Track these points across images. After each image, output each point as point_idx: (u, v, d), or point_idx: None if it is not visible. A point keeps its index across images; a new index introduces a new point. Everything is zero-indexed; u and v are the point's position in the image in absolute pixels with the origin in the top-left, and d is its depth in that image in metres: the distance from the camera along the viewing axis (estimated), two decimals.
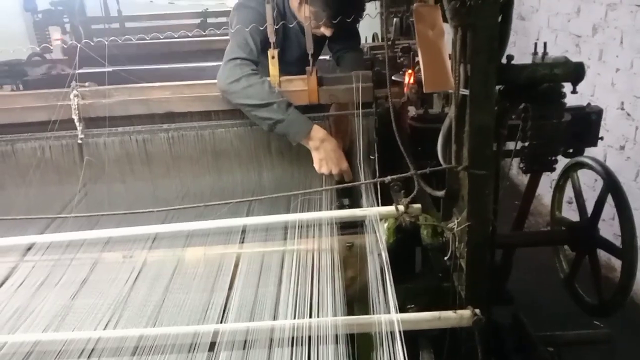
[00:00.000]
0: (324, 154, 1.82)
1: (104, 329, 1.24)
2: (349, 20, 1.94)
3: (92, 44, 1.71)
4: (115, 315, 1.29)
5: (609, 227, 2.39)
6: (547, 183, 3.49)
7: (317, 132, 1.81)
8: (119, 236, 1.57)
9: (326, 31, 1.95)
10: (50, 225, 1.67)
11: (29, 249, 1.56)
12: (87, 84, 1.84)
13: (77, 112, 1.79)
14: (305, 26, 1.77)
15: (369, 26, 3.53)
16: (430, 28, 1.24)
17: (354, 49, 2.26)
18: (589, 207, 1.91)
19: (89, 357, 1.16)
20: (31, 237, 1.59)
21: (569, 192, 2.12)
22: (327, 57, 2.67)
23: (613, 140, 3.27)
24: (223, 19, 3.76)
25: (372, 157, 1.81)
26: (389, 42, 2.69)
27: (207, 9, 4.08)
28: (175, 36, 1.73)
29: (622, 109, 3.21)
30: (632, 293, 2.07)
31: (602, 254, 1.91)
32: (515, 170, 4.19)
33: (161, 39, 1.66)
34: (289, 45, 2.07)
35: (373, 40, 3.79)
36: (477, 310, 1.24)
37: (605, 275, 2.13)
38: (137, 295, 1.36)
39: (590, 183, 2.93)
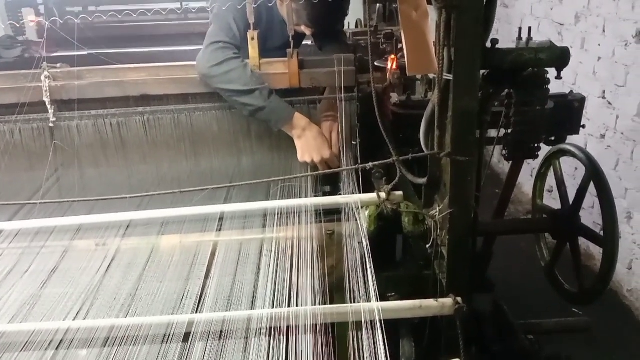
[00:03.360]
0: (305, 142, 1.78)
1: (74, 319, 1.20)
2: (330, 24, 1.91)
3: (61, 22, 1.63)
4: (86, 304, 1.25)
5: (588, 216, 2.40)
6: (527, 171, 3.50)
7: (299, 120, 1.78)
8: (91, 223, 1.52)
9: (306, 30, 1.91)
10: (20, 212, 1.61)
11: None
12: (58, 65, 1.77)
13: (48, 94, 1.72)
14: (287, 5, 1.72)
15: (352, 12, 3.48)
16: (414, 9, 1.20)
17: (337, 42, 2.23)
18: (570, 196, 1.90)
19: (57, 348, 1.12)
20: None
21: (548, 180, 2.11)
22: (309, 42, 2.62)
23: (594, 129, 3.29)
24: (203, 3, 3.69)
25: (354, 143, 1.77)
26: (372, 29, 2.66)
27: None
28: (149, 15, 1.66)
29: (604, 97, 3.23)
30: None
31: (581, 242, 1.91)
32: (495, 158, 4.20)
33: (134, 17, 1.60)
34: (271, 34, 2.03)
35: (356, 26, 3.74)
36: (459, 299, 1.23)
37: (583, 263, 2.14)
38: (110, 284, 1.32)
39: (569, 172, 2.94)
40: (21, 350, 1.11)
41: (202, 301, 1.23)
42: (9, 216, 1.58)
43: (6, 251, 1.45)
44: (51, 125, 1.76)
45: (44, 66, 1.72)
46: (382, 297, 1.20)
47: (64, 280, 1.34)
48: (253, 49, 1.73)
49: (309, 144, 1.78)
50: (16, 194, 1.70)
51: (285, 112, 1.76)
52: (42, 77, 1.72)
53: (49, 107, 1.74)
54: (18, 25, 2.65)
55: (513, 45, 1.50)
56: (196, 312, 1.20)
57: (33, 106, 1.74)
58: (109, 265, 1.38)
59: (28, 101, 1.72)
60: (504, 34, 4.25)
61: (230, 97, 1.74)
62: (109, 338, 1.13)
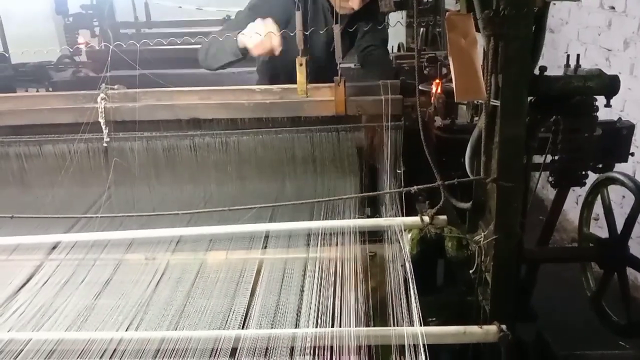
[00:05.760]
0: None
1: (126, 330, 1.25)
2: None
3: (124, 46, 1.71)
4: (138, 317, 1.29)
5: (636, 246, 2.33)
6: (572, 199, 3.42)
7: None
8: (142, 238, 1.57)
9: (354, 3, 1.93)
10: (76, 225, 1.68)
11: (54, 247, 1.58)
12: (116, 86, 1.84)
13: (103, 115, 1.79)
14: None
15: (394, 36, 3.53)
16: (463, 37, 1.22)
17: (381, 47, 2.24)
18: (617, 224, 1.86)
19: (110, 358, 1.17)
20: (57, 236, 1.60)
21: (594, 208, 2.07)
22: (352, 66, 2.66)
23: None
24: None
25: (398, 172, 1.77)
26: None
27: (229, 16, 4.13)
28: (206, 40, 1.73)
29: None
30: None
31: (629, 273, 1.86)
32: (540, 184, 4.12)
33: (192, 42, 1.67)
34: (315, 25, 2.04)
35: (398, 49, 3.78)
36: (504, 326, 1.22)
37: (631, 294, 2.07)
38: (160, 298, 1.36)
39: (616, 199, 2.86)
40: (77, 358, 1.16)
41: (247, 318, 1.26)
42: (66, 229, 1.66)
43: (63, 262, 1.52)
44: (105, 145, 1.83)
45: (102, 88, 1.80)
46: (423, 322, 1.20)
47: (117, 292, 1.40)
48: (301, 74, 1.76)
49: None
50: (72, 209, 1.77)
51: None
52: (99, 99, 1.80)
53: (103, 127, 1.80)
54: (81, 50, 2.79)
55: (559, 71, 1.50)
56: (242, 328, 1.23)
57: (90, 126, 1.81)
58: (159, 279, 1.43)
59: (85, 121, 1.80)
60: (550, 58, 4.20)
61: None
62: (159, 350, 1.17)
